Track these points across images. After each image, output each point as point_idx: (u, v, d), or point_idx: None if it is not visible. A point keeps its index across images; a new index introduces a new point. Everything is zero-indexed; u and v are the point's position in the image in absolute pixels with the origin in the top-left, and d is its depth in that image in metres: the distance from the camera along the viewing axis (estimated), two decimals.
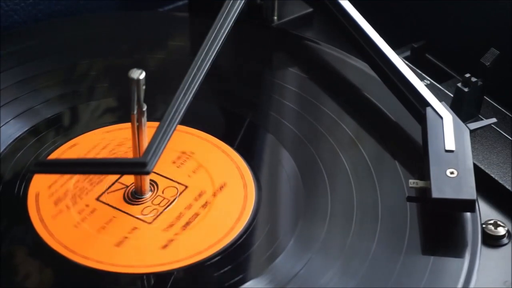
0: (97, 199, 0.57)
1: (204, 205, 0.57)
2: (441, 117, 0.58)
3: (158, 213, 0.56)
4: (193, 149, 0.61)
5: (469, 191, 0.54)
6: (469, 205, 0.54)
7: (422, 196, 0.56)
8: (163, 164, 0.59)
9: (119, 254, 0.54)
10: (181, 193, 0.58)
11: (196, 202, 0.57)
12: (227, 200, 0.57)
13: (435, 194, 0.54)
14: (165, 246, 0.54)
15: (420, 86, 0.61)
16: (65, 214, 0.56)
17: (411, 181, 0.56)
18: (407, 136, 0.62)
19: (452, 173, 0.55)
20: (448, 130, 0.57)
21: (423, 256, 0.54)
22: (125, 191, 0.57)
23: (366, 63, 0.65)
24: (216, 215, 0.56)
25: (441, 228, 0.56)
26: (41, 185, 0.58)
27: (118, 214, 0.56)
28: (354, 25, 0.65)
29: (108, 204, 0.57)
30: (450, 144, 0.57)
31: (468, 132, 0.58)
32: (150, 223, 0.56)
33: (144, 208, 0.57)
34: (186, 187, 0.58)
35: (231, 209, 0.57)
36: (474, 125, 0.59)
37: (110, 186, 0.58)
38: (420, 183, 0.56)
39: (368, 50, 0.64)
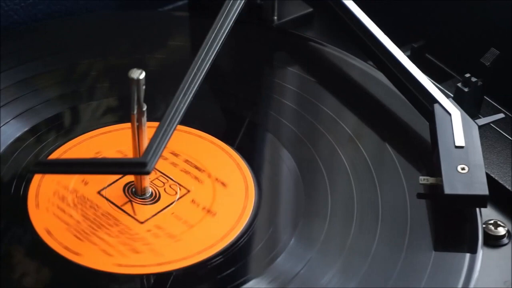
0: (98, 195, 0.57)
1: (204, 205, 0.57)
2: (449, 114, 0.59)
3: (158, 212, 0.56)
4: (193, 149, 0.61)
5: (481, 186, 0.55)
6: (481, 201, 0.55)
7: (433, 193, 0.56)
8: (163, 164, 0.59)
9: (119, 254, 0.54)
10: (181, 193, 0.58)
11: (196, 202, 0.57)
12: (228, 199, 0.57)
13: (448, 190, 0.54)
14: (165, 246, 0.54)
15: (427, 83, 0.61)
16: (65, 214, 0.56)
17: (421, 177, 0.56)
18: (407, 135, 0.62)
19: (463, 169, 0.55)
20: (457, 126, 0.58)
21: (423, 256, 0.54)
22: (126, 189, 0.57)
23: (371, 61, 0.65)
24: (217, 215, 0.56)
25: (442, 228, 0.56)
26: (41, 185, 0.57)
27: (118, 213, 0.56)
28: (358, 24, 0.65)
29: (108, 201, 0.57)
30: (459, 140, 0.57)
31: (477, 128, 0.58)
32: (150, 223, 0.56)
33: (144, 208, 0.57)
34: (186, 186, 0.58)
35: (232, 209, 0.57)
36: (482, 121, 0.59)
37: (110, 184, 0.58)
38: (431, 180, 0.56)
39: (373, 49, 0.64)
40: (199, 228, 0.55)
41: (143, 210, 0.56)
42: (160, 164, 0.59)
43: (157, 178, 0.58)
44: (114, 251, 0.54)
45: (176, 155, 0.60)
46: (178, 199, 0.57)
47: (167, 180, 0.58)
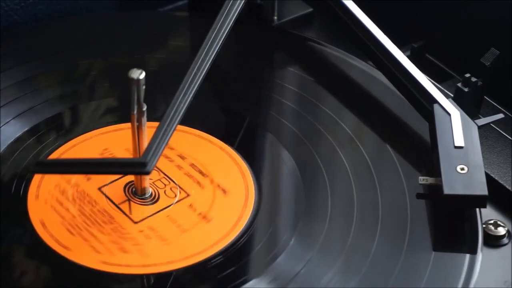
0: (97, 197, 0.57)
1: (201, 210, 0.57)
2: (449, 114, 0.59)
3: (154, 214, 0.56)
4: (193, 149, 0.61)
5: (480, 187, 0.54)
6: (481, 201, 0.55)
7: (432, 193, 0.56)
8: (168, 166, 0.59)
9: (119, 254, 0.54)
10: (181, 193, 0.58)
11: (196, 202, 0.57)
12: (228, 200, 0.57)
13: (447, 190, 0.54)
14: (165, 246, 0.54)
15: (427, 83, 0.61)
16: (64, 214, 0.56)
17: (420, 177, 0.56)
18: (407, 135, 0.62)
19: (462, 169, 0.55)
20: (457, 127, 0.58)
21: (423, 256, 0.54)
22: (126, 188, 0.57)
23: (371, 61, 0.65)
24: (217, 215, 0.56)
25: (441, 228, 0.56)
26: (41, 185, 0.57)
27: (114, 211, 0.56)
28: (358, 24, 0.65)
29: (107, 198, 0.57)
30: (459, 141, 0.57)
31: (476, 128, 0.58)
32: (144, 223, 0.56)
33: (141, 208, 0.57)
34: (187, 187, 0.58)
35: (232, 209, 0.57)
36: (482, 121, 0.59)
37: (112, 182, 0.58)
38: (430, 180, 0.56)
39: (373, 49, 0.64)
40: (199, 228, 0.55)
41: (140, 210, 0.56)
42: (165, 166, 0.59)
43: (159, 180, 0.58)
44: (103, 248, 0.54)
45: (183, 158, 0.60)
46: (177, 199, 0.57)
47: (169, 182, 0.58)
